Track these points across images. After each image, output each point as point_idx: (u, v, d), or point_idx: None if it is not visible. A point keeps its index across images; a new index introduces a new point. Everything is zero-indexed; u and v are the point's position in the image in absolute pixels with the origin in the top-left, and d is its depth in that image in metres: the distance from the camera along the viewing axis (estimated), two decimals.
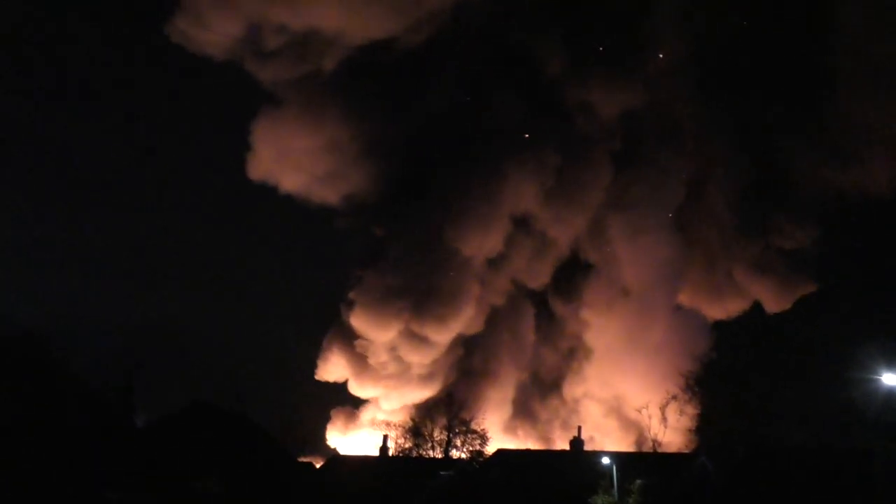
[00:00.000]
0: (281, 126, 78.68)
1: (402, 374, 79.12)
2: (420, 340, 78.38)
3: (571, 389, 79.12)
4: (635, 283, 76.78)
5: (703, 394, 58.40)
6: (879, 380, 28.23)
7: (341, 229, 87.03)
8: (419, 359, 78.63)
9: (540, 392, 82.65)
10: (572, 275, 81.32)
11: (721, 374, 60.91)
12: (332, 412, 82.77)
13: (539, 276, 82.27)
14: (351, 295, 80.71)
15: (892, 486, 29.04)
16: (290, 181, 79.71)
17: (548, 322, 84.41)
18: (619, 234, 77.32)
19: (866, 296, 74.60)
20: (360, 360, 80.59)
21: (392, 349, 78.80)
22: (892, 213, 74.26)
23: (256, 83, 79.99)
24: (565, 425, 77.75)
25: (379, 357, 79.22)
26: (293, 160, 79.43)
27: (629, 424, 71.25)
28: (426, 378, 79.49)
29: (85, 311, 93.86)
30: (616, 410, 74.48)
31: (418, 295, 77.99)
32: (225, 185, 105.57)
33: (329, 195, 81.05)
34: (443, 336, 78.42)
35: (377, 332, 78.77)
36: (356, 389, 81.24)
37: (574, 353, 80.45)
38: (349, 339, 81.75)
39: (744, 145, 76.21)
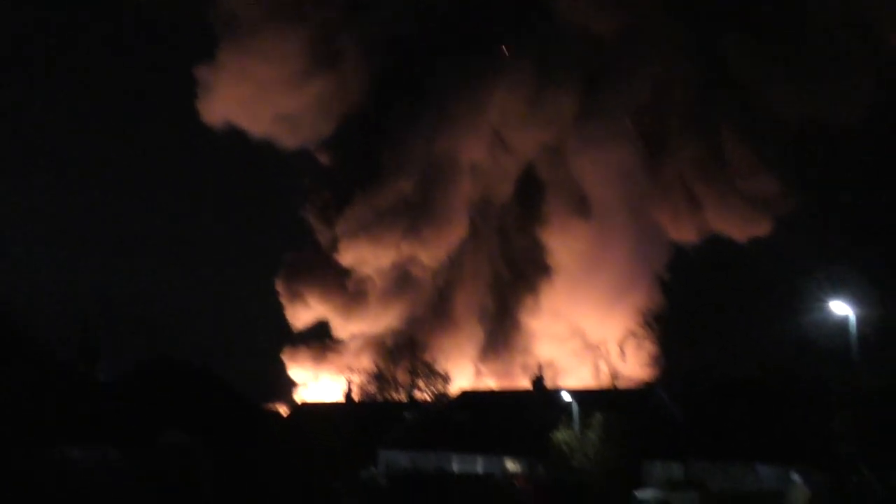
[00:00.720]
0: (246, 61, 76.98)
1: (400, 295, 79.74)
2: (414, 261, 79.08)
3: (530, 318, 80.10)
4: (595, 197, 77.28)
5: (662, 329, 59.53)
6: (829, 308, 29.09)
7: (300, 174, 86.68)
8: (419, 274, 79.52)
9: (503, 320, 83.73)
10: (534, 193, 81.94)
11: (678, 308, 62.06)
12: (283, 354, 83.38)
13: (505, 192, 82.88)
14: (337, 230, 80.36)
15: (843, 413, 30.10)
16: (256, 122, 78.72)
17: (511, 246, 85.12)
18: (581, 146, 77.64)
19: (817, 223, 76.15)
20: (344, 297, 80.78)
21: (387, 272, 79.22)
22: (852, 141, 75.26)
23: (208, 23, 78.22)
24: (527, 352, 78.89)
25: (377, 284, 79.69)
26: (259, 99, 78.25)
27: (588, 349, 72.62)
28: (419, 297, 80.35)
29: (44, 270, 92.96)
30: (578, 336, 75.68)
31: (411, 213, 78.44)
32: (180, 139, 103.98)
33: (297, 132, 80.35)
34: (437, 251, 79.38)
35: (372, 259, 78.96)
36: (341, 328, 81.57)
37: (535, 275, 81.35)
38: (326, 280, 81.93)
39: (709, 65, 76.67)
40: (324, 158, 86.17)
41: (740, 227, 75.79)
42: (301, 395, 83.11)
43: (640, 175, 77.52)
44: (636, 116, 79.10)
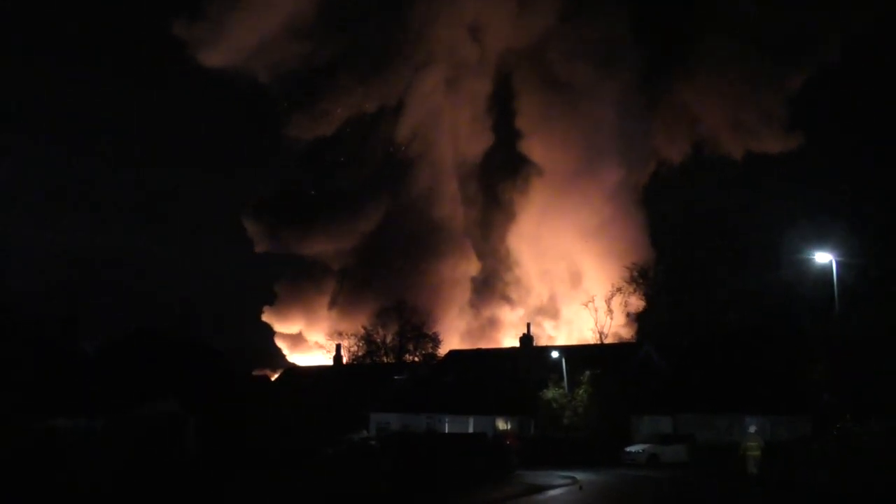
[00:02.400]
0: None
1: None
2: None
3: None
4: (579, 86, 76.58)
5: (648, 284, 59.54)
6: (812, 259, 29.14)
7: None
8: None
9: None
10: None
11: (664, 264, 61.98)
12: (265, 315, 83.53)
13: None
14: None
15: (823, 362, 30.32)
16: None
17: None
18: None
19: (799, 174, 76.36)
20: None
21: None
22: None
23: None
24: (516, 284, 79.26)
25: None
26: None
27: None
28: None
29: (26, 241, 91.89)
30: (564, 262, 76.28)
31: None
32: (166, 99, 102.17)
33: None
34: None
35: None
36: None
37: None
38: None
39: None
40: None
41: (733, 138, 75.70)
42: (290, 359, 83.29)
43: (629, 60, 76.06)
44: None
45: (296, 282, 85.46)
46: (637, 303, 59.40)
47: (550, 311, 76.10)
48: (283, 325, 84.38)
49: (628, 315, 61.49)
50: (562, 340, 67.92)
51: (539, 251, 77.44)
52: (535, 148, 77.38)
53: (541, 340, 66.28)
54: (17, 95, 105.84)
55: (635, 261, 61.60)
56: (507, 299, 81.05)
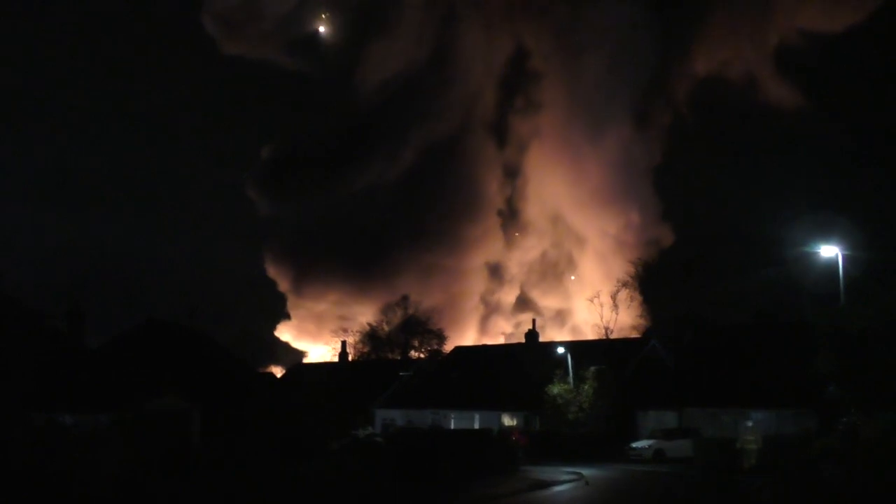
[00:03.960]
0: None
1: None
2: None
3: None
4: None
5: (652, 279, 59.40)
6: (816, 253, 29.03)
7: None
8: None
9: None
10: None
11: (669, 259, 61.94)
12: (277, 330, 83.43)
13: None
14: None
15: (827, 354, 30.19)
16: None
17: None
18: None
19: (803, 168, 76.03)
20: None
21: None
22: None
23: None
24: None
25: None
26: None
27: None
28: None
29: (31, 234, 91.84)
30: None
31: None
32: (169, 96, 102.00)
33: None
34: None
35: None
36: None
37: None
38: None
39: None
40: None
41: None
42: (297, 348, 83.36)
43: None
44: None
45: (304, 270, 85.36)
46: (641, 297, 59.31)
47: (556, 276, 77.22)
48: (304, 308, 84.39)
49: (630, 294, 61.63)
50: (566, 330, 68.26)
51: (544, 205, 78.76)
52: (543, 88, 79.24)
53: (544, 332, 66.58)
54: (23, 88, 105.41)
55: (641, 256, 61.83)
56: (516, 247, 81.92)
